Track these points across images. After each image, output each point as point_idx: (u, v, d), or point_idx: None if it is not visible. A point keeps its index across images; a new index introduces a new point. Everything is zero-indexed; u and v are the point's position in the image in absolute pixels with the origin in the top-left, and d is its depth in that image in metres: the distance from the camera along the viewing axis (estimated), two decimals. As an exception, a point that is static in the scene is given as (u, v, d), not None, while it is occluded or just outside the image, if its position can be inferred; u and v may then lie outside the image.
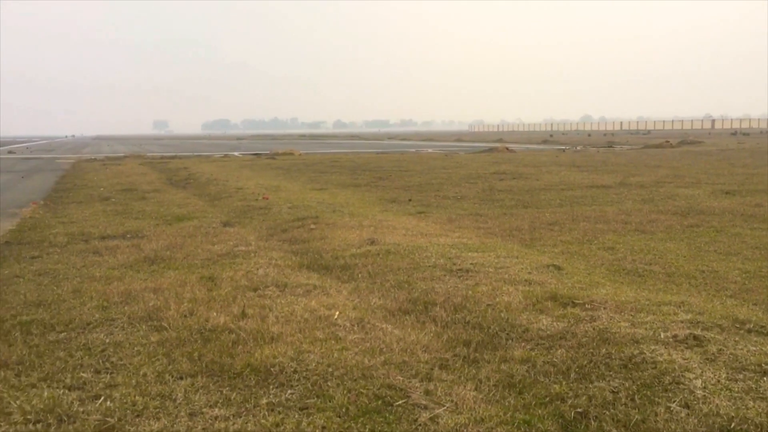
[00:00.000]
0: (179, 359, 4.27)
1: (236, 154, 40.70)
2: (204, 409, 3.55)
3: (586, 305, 5.00)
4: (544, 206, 12.36)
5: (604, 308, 4.91)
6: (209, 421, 3.41)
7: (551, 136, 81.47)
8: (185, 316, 5.14)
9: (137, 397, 3.69)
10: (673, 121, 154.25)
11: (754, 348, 4.04)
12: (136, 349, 4.48)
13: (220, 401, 3.65)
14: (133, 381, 3.92)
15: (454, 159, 30.53)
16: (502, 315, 4.96)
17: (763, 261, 7.07)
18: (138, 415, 3.47)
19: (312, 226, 9.56)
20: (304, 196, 14.21)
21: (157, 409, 3.54)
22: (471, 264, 6.67)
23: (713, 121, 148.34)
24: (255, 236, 9.03)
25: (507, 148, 41.18)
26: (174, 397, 3.72)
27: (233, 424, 3.36)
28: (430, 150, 43.83)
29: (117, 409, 3.53)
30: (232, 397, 3.69)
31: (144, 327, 4.93)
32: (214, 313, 5.12)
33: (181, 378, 3.99)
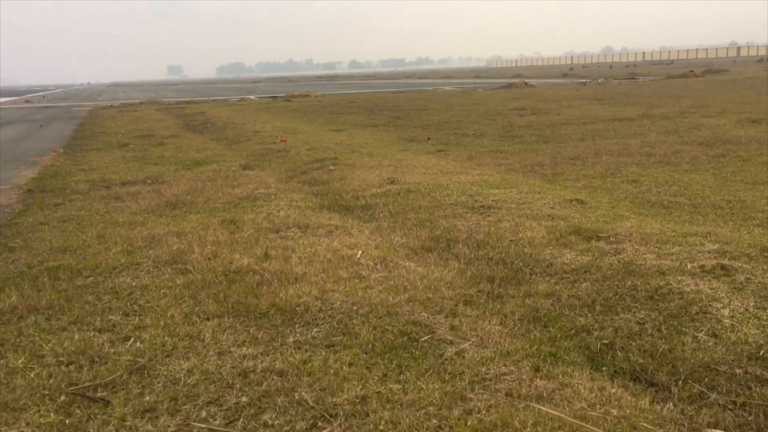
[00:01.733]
0: (205, 301, 4.31)
1: (252, 97, 40.44)
2: (232, 348, 3.59)
3: (611, 238, 4.94)
4: (565, 141, 12.18)
5: (629, 241, 4.85)
6: (238, 359, 3.46)
7: (571, 69, 79.89)
8: (209, 258, 5.17)
9: (166, 338, 3.74)
10: (697, 50, 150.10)
11: (783, 276, 3.98)
12: (162, 291, 4.52)
13: (248, 340, 3.69)
14: (161, 323, 3.97)
15: (472, 96, 30.09)
16: (526, 250, 4.93)
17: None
18: (168, 355, 3.53)
19: (331, 168, 9.51)
20: (322, 137, 14.13)
21: (186, 349, 3.60)
22: (493, 201, 6.62)
23: (738, 48, 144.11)
24: (275, 179, 9.02)
25: (526, 83, 40.52)
26: (202, 337, 3.76)
27: (261, 362, 3.40)
28: (447, 88, 43.20)
29: (147, 350, 3.59)
30: (259, 336, 3.73)
31: (169, 270, 4.98)
32: (238, 255, 5.14)
33: (208, 319, 4.03)
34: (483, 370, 3.18)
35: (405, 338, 3.61)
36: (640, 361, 3.19)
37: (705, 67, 58.80)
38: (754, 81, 32.21)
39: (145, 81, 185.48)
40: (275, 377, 3.24)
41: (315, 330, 3.79)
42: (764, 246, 4.58)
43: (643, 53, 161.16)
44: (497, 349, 3.41)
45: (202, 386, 3.16)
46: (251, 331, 3.81)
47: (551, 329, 3.65)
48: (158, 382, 3.23)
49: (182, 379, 3.25)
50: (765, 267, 4.16)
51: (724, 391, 2.86)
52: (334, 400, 2.97)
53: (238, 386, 3.16)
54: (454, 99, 27.76)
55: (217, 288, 4.52)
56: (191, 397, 3.08)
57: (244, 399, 3.04)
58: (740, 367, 2.99)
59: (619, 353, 3.30)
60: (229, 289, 4.48)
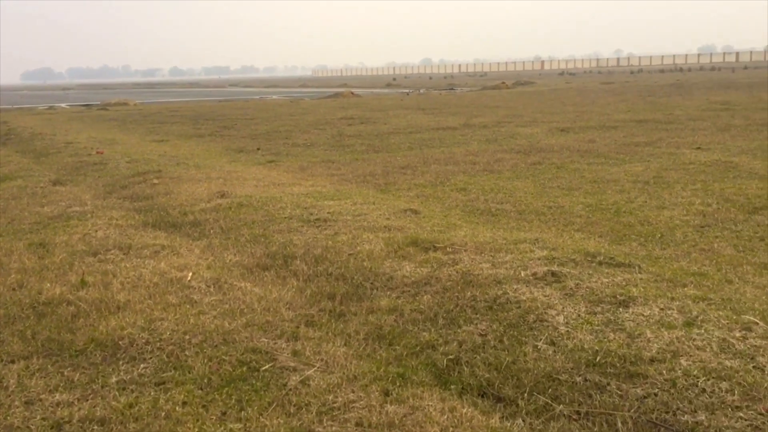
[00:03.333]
0: (9, 340, 3.76)
1: (63, 105, 37.50)
2: (43, 395, 3.13)
3: (447, 249, 4.98)
4: (394, 150, 12.38)
5: (465, 250, 4.92)
6: (49, 408, 3.01)
7: (394, 79, 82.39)
8: (13, 289, 4.56)
9: (-41, 390, 3.19)
10: (507, 63, 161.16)
11: (607, 280, 4.19)
12: (-46, 333, 3.89)
13: (62, 384, 3.24)
14: (-47, 371, 3.39)
15: (300, 105, 29.99)
16: (365, 264, 4.83)
17: (602, 194, 7.46)
18: (-39, 412, 3.00)
19: (155, 181, 8.92)
20: (143, 149, 13.29)
21: (-15, 402, 3.08)
22: (328, 213, 6.49)
23: (542, 62, 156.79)
24: (91, 195, 8.28)
25: (352, 93, 41.13)
26: (5, 384, 3.26)
27: (79, 409, 2.99)
28: (274, 97, 42.78)
29: (-66, 407, 3.02)
30: (76, 379, 3.29)
31: (-37, 306, 4.31)
32: (48, 284, 4.57)
33: (13, 362, 3.51)
34: (330, 398, 3.01)
35: (244, 368, 3.34)
36: (486, 375, 3.18)
37: (515, 79, 63.10)
38: (558, 93, 34.99)
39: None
40: (95, 427, 2.85)
41: (142, 366, 3.41)
42: (587, 251, 4.83)
43: (459, 65, 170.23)
44: (344, 373, 3.25)
45: (6, 446, 2.70)
46: (66, 373, 3.35)
47: (397, 347, 3.56)
48: (-52, 447, 2.72)
49: (-20, 439, 2.76)
50: (590, 271, 4.36)
51: (567, 401, 2.90)
52: (167, 448, 2.65)
53: (50, 442, 2.73)
54: (282, 108, 27.48)
55: (23, 324, 3.97)
56: (-9, 461, 2.61)
57: (58, 457, 2.63)
58: (580, 375, 3.06)
59: (466, 368, 3.27)
60: (38, 324, 3.95)
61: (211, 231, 6.18)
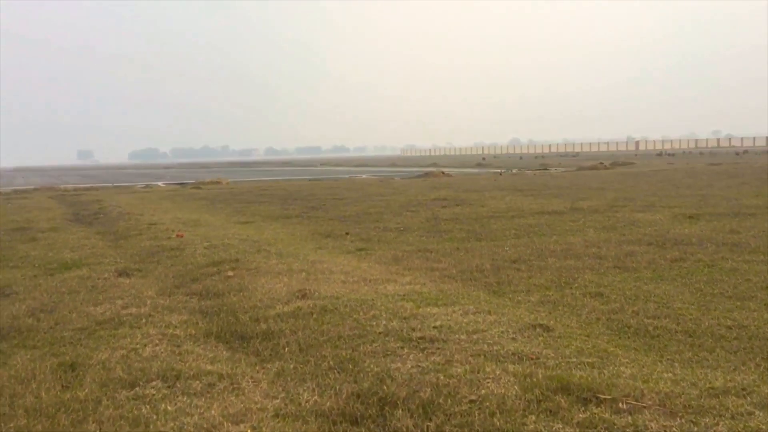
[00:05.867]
0: None
1: (160, 184, 38.26)
2: None
3: (620, 403, 3.43)
4: (499, 238, 10.92)
5: (646, 408, 3.35)
6: None
7: (483, 159, 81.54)
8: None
9: None
10: (599, 143, 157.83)
11: None
12: None
13: None
14: None
15: (390, 184, 29.09)
16: (496, 422, 3.34)
17: (785, 307, 5.71)
18: None
19: (229, 273, 7.78)
20: (225, 232, 12.37)
21: None
22: (434, 328, 5.06)
23: (637, 142, 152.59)
24: (155, 290, 7.18)
25: (443, 173, 40.17)
26: None
27: None
28: (364, 176, 42.34)
29: None
30: None
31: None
32: (60, 435, 3.32)
33: None
34: None
35: None
36: None
37: (609, 159, 60.81)
38: (664, 174, 32.74)
39: (53, 166, 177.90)
40: None
41: None
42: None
43: (549, 145, 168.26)
44: None
45: None
46: None
47: None
48: None
49: None
50: None
51: None
52: None
53: None
54: (372, 188, 26.61)
55: None
56: None
57: None
58: None
59: None
60: None
61: (286, 348, 4.85)
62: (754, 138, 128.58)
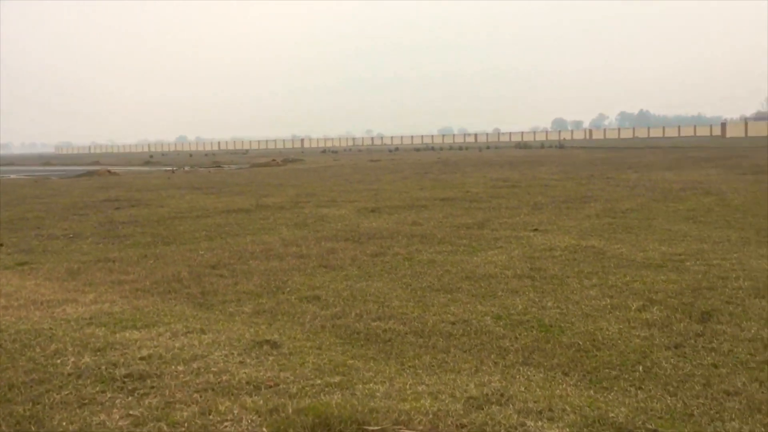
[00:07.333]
0: None
1: None
2: None
3: (392, 433, 2.98)
4: (190, 241, 10.00)
5: (420, 433, 2.95)
6: None
7: (152, 156, 77.57)
8: None
9: None
10: (267, 140, 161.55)
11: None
12: None
13: None
14: None
15: (48, 185, 25.70)
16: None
17: (495, 297, 5.92)
18: None
19: None
20: None
21: None
22: (141, 359, 4.13)
23: (302, 140, 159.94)
24: None
25: (109, 171, 37.03)
26: None
27: None
28: (13, 176, 37.01)
29: None
30: None
31: None
32: None
33: None
34: None
35: None
36: None
37: (280, 156, 62.39)
38: (334, 170, 34.32)
39: None
40: None
41: None
42: (611, 421, 3.12)
43: (219, 142, 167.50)
44: None
45: None
46: None
47: None
48: None
49: None
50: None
51: None
52: None
53: None
54: (25, 189, 23.16)
55: None
56: None
57: None
58: None
59: None
60: None
61: (-69, 414, 3.49)
62: (402, 137, 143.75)
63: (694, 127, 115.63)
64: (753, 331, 4.59)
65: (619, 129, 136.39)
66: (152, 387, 3.69)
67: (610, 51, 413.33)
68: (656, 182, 18.09)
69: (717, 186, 16.32)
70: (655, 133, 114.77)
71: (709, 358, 4.13)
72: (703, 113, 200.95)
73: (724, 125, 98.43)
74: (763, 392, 3.52)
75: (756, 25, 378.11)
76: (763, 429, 3.09)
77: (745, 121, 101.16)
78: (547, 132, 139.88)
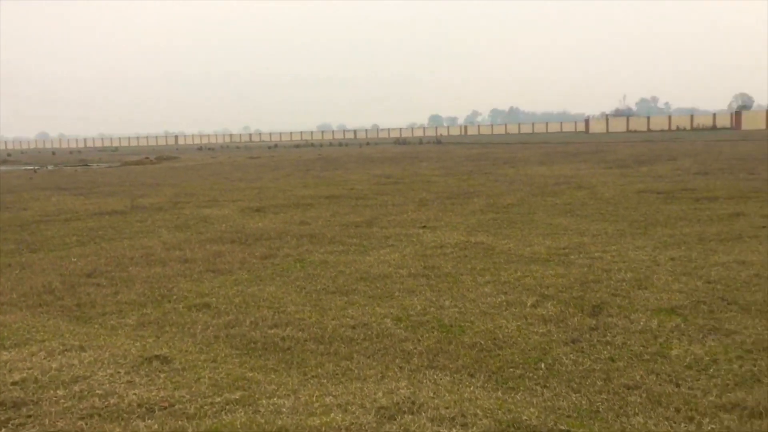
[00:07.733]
0: None
1: None
2: None
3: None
4: (59, 247, 9.28)
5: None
6: None
7: (9, 155, 72.17)
8: None
9: None
10: (138, 137, 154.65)
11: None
12: None
13: None
14: None
15: None
16: None
17: (393, 299, 5.85)
18: None
19: None
20: None
21: None
22: (14, 384, 3.74)
23: (176, 137, 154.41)
24: None
25: (-39, 171, 34.03)
26: None
27: None
28: None
29: None
30: None
31: None
32: None
33: None
34: None
35: None
36: None
37: (153, 153, 59.87)
38: (213, 167, 33.28)
39: None
40: None
41: None
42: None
43: (84, 140, 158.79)
44: None
45: None
46: None
47: None
48: None
49: None
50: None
51: None
52: None
53: None
54: None
55: None
56: None
57: None
58: None
59: None
60: None
61: None
62: (281, 134, 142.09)
63: (561, 123, 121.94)
64: (642, 323, 4.78)
65: (492, 125, 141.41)
66: (29, 416, 3.31)
67: (481, 53, 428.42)
68: (532, 177, 18.82)
69: (587, 180, 17.19)
70: (525, 129, 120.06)
71: (605, 352, 4.26)
72: (568, 110, 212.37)
73: (587, 121, 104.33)
74: (660, 385, 3.65)
75: (615, 26, 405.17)
76: (666, 423, 3.19)
77: (606, 117, 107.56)
78: (424, 128, 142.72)
